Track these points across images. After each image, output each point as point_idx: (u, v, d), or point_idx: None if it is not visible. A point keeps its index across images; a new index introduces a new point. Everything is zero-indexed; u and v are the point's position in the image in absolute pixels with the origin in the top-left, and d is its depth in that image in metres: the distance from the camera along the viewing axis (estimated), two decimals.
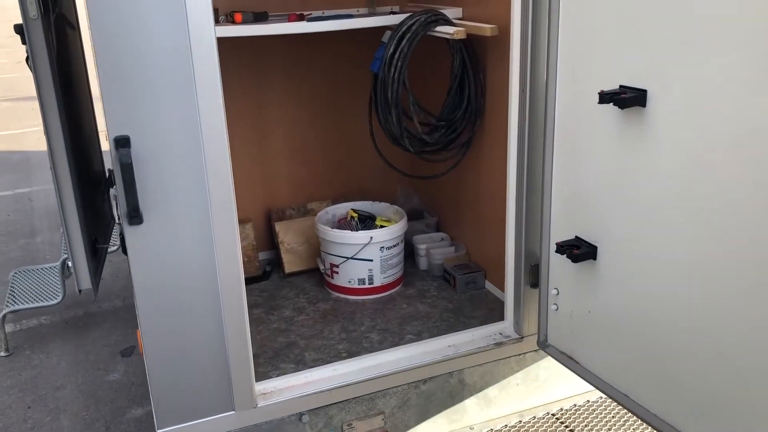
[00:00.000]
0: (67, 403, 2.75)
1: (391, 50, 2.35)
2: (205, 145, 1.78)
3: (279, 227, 3.03)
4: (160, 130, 1.73)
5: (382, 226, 2.82)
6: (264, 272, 3.03)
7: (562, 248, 1.98)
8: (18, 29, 2.00)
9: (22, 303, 3.07)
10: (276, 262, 3.07)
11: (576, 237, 2.01)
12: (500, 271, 2.47)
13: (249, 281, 2.93)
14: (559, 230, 2.09)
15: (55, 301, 3.08)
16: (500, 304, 2.55)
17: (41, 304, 3.08)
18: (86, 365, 3.00)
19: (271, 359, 2.34)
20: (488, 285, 2.80)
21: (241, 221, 3.01)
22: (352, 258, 2.69)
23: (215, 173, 1.82)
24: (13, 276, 3.37)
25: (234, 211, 1.91)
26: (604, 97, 1.69)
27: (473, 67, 2.50)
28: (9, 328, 3.28)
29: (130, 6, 1.62)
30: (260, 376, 2.22)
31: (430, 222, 3.14)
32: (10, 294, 3.17)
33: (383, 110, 2.42)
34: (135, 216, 1.74)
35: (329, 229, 2.70)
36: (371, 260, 2.70)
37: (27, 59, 1.94)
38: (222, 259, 1.90)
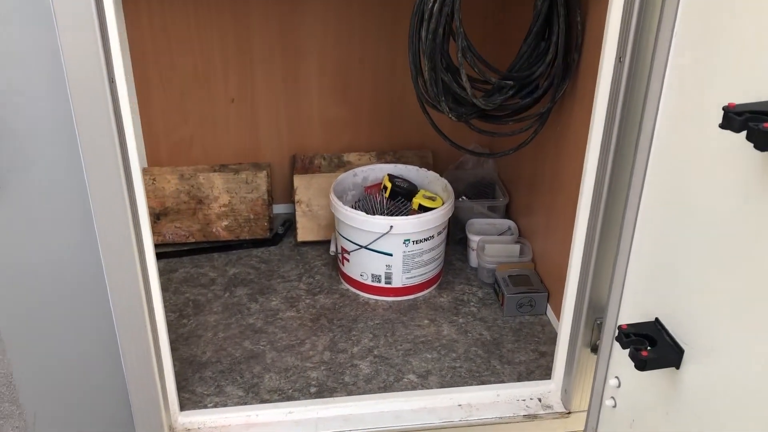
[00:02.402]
0: None
1: None
2: (74, 97, 1.23)
3: (298, 181, 2.47)
4: None
5: (421, 207, 2.18)
6: (275, 235, 2.52)
7: (627, 338, 1.26)
8: None
9: None
10: (294, 223, 2.55)
11: (656, 321, 1.28)
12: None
13: (255, 244, 2.46)
14: (634, 300, 1.37)
15: None
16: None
17: None
18: None
19: (221, 375, 1.86)
20: (550, 313, 2.11)
21: (257, 167, 2.50)
22: (365, 248, 2.10)
23: (91, 139, 1.27)
24: None
25: (135, 190, 1.37)
26: (732, 119, 0.92)
27: (568, 4, 1.70)
28: None
29: None
30: (194, 402, 1.77)
31: (498, 204, 2.44)
32: None
33: (414, 56, 1.72)
34: None
35: (340, 204, 2.11)
36: (390, 254, 2.09)
37: None
38: (112, 263, 1.39)
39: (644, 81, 1.30)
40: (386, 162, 2.56)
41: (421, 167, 2.38)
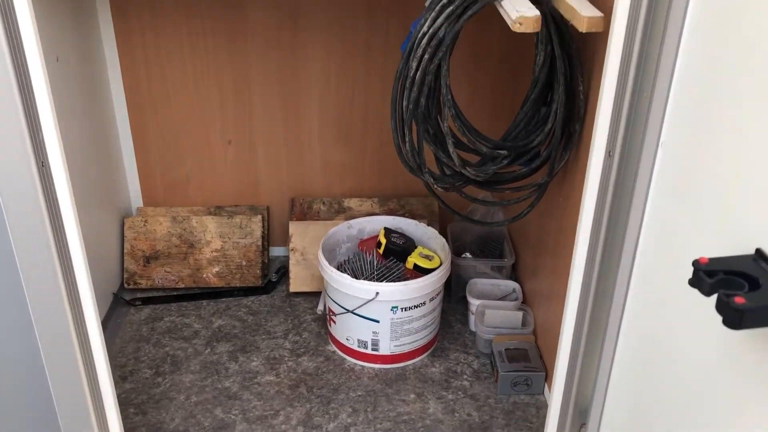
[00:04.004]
0: None
1: (424, 28, 1.48)
2: None
3: (293, 229, 2.38)
4: None
5: (416, 266, 2.06)
6: (268, 282, 2.43)
7: None
8: None
9: None
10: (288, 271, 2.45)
11: None
12: None
13: (245, 292, 2.38)
14: (614, 411, 1.22)
15: None
16: None
17: None
18: None
19: None
20: (548, 393, 1.96)
21: (253, 211, 2.42)
22: (351, 312, 1.98)
23: (21, 230, 1.19)
24: None
25: (76, 276, 1.29)
26: (702, 280, 0.77)
27: (569, 70, 1.55)
28: None
29: None
30: None
31: (504, 264, 2.29)
32: None
33: (397, 122, 1.59)
34: None
35: (326, 265, 2.00)
36: (377, 321, 1.98)
37: None
38: (50, 351, 1.31)
39: (632, 181, 1.15)
40: (389, 210, 2.44)
41: (421, 220, 2.26)
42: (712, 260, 0.77)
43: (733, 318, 0.70)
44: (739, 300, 0.70)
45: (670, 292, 1.01)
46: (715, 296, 0.76)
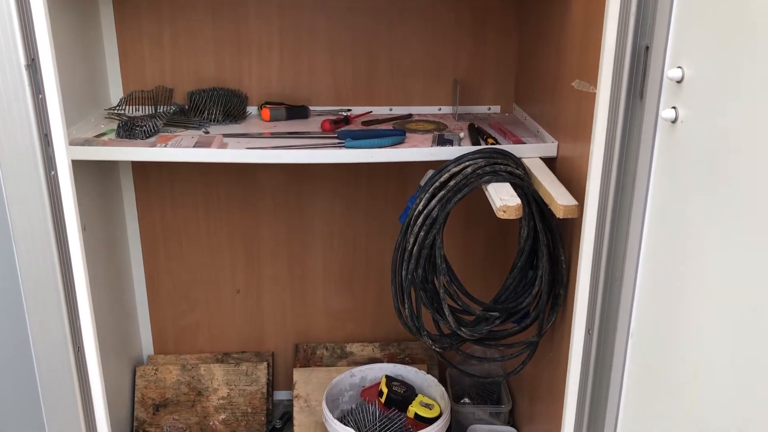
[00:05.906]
0: None
1: (420, 207, 1.65)
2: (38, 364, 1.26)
3: (297, 376, 2.46)
4: None
5: (417, 416, 2.13)
6: (272, 429, 2.48)
7: None
8: None
9: None
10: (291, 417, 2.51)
11: None
12: None
13: None
14: None
15: None
16: None
17: None
18: None
19: None
20: None
21: (259, 357, 2.51)
22: None
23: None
24: None
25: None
26: None
27: (551, 242, 1.71)
28: None
29: None
30: None
31: (502, 410, 2.36)
32: None
33: (396, 289, 1.73)
34: None
35: (330, 417, 2.07)
36: None
37: None
38: None
39: (610, 356, 1.27)
40: (389, 354, 2.54)
41: (421, 365, 2.35)
42: None
43: None
44: None
45: None
46: None
